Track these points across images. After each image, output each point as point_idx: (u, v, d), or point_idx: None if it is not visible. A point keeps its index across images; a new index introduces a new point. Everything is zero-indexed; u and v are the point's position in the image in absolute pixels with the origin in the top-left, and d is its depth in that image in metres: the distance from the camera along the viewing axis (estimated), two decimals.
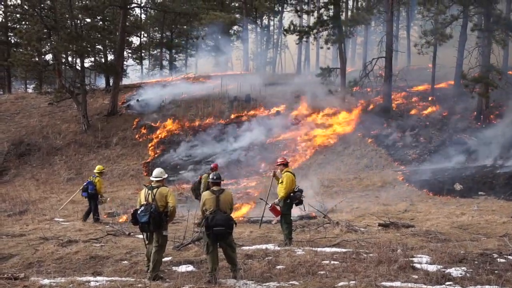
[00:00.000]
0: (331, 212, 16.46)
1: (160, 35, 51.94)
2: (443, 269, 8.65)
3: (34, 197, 22.57)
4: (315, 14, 33.01)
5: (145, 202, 8.68)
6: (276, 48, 61.24)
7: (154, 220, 8.48)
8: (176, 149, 28.87)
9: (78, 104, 32.39)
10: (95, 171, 16.40)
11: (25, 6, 39.27)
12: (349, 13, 45.84)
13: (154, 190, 8.74)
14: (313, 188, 21.48)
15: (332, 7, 33.08)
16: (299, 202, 11.41)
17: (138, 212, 8.61)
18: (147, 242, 8.93)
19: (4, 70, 46.07)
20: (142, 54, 52.01)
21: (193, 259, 9.98)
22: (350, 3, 49.91)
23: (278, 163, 11.78)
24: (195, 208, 14.27)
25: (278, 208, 11.27)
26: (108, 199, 18.16)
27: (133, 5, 40.93)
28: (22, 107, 37.43)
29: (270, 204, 11.30)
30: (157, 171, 9.09)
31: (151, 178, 9.03)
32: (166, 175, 9.15)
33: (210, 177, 8.95)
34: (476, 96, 28.13)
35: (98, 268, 9.64)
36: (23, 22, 42.85)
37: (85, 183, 16.12)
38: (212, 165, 15.62)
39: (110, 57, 42.17)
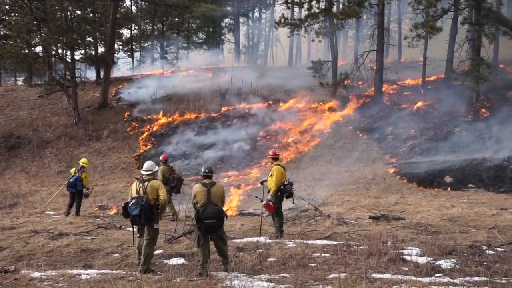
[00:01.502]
0: (322, 205, 16.52)
1: (151, 28, 51.64)
2: (433, 261, 8.72)
3: (25, 190, 22.47)
4: (306, 6, 32.90)
5: (136, 195, 8.68)
6: (267, 41, 61.13)
7: (145, 213, 8.49)
8: (167, 142, 28.80)
9: (69, 96, 32.18)
10: (81, 164, 16.09)
11: None
12: (340, 6, 45.81)
13: (145, 183, 8.74)
14: (304, 181, 21.58)
15: None
16: (289, 195, 11.45)
17: (129, 205, 8.61)
18: (138, 235, 8.93)
19: None
20: (133, 47, 51.68)
21: (184, 252, 10.00)
22: None
23: (269, 156, 11.83)
24: (186, 201, 14.29)
25: (271, 203, 11.28)
26: (94, 189, 18.07)
27: None
28: (12, 99, 37.15)
29: (265, 201, 11.31)
30: (147, 164, 9.08)
31: (142, 172, 9.02)
32: (156, 168, 9.15)
33: (202, 170, 8.93)
34: (466, 89, 28.26)
35: (89, 261, 9.63)
36: (13, 14, 42.36)
37: (71, 179, 15.72)
38: (161, 157, 15.64)
39: (101, 49, 41.89)
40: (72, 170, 16.18)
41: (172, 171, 15.17)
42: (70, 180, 15.74)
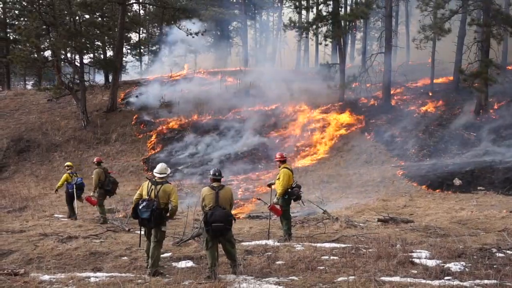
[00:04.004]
0: (330, 208, 16.48)
1: (159, 31, 51.84)
2: (442, 264, 8.67)
3: (34, 194, 22.57)
4: (314, 9, 32.96)
5: (147, 197, 8.64)
6: (275, 44, 61.19)
7: (155, 218, 8.49)
8: (175, 145, 28.88)
9: (77, 100, 32.38)
10: (69, 167, 16.31)
11: (23, 3, 39.19)
12: (348, 8, 45.80)
13: (158, 186, 8.69)
14: (312, 183, 21.55)
15: (331, 2, 33.13)
16: (297, 198, 11.42)
17: (140, 207, 8.58)
18: (145, 238, 8.94)
19: (3, 67, 45.98)
20: (141, 50, 51.91)
21: (193, 255, 10.00)
22: None
23: (276, 159, 11.80)
24: (194, 204, 14.30)
25: (278, 207, 11.25)
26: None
27: (132, 1, 40.82)
28: (21, 103, 37.39)
29: (269, 204, 11.29)
30: (161, 166, 9.01)
31: (155, 174, 8.95)
32: (169, 171, 9.11)
33: (211, 173, 8.90)
34: (475, 91, 28.12)
35: (98, 264, 9.66)
36: (22, 19, 42.74)
37: (78, 182, 15.83)
38: (95, 159, 15.65)
39: (109, 53, 42.12)
40: (65, 176, 16.16)
41: (107, 174, 15.15)
42: (78, 183, 15.82)
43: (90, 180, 17.43)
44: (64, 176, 16.15)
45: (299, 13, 45.24)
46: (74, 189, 15.67)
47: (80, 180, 15.98)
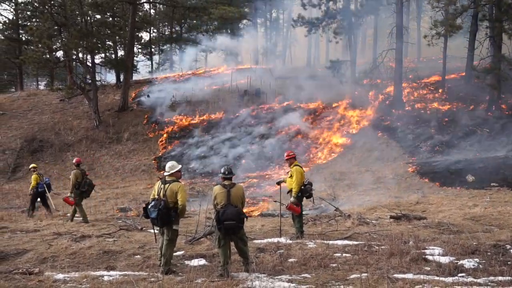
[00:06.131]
0: (342, 205, 16.45)
1: (169, 30, 52.01)
2: (456, 261, 8.62)
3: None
4: (323, 6, 32.86)
5: (156, 197, 8.68)
6: (285, 42, 61.04)
7: (162, 217, 8.48)
8: (187, 144, 28.95)
9: (89, 100, 32.58)
10: (35, 168, 17.29)
11: (35, 4, 39.48)
12: (358, 4, 45.58)
13: (166, 185, 8.70)
14: (324, 181, 21.50)
15: None
16: (309, 195, 11.39)
17: (149, 206, 8.62)
18: (159, 235, 8.96)
19: (16, 68, 46.43)
20: (152, 50, 52.08)
21: (205, 253, 10.02)
22: None
23: (287, 157, 11.75)
24: (206, 203, 14.33)
25: (294, 205, 11.20)
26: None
27: (142, 0, 41.00)
28: (34, 104, 37.70)
29: (287, 204, 11.24)
30: (168, 164, 9.04)
31: (165, 174, 9.00)
32: (179, 166, 9.04)
33: (222, 171, 8.89)
34: (488, 87, 27.88)
35: (111, 262, 9.70)
36: (34, 20, 43.07)
37: (46, 182, 16.97)
38: (74, 160, 15.75)
39: (120, 53, 42.32)
40: (35, 176, 16.83)
41: (84, 175, 15.19)
42: (46, 183, 16.89)
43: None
44: (34, 176, 16.93)
45: (306, 9, 45.05)
46: (45, 188, 16.64)
47: (48, 180, 17.19)
